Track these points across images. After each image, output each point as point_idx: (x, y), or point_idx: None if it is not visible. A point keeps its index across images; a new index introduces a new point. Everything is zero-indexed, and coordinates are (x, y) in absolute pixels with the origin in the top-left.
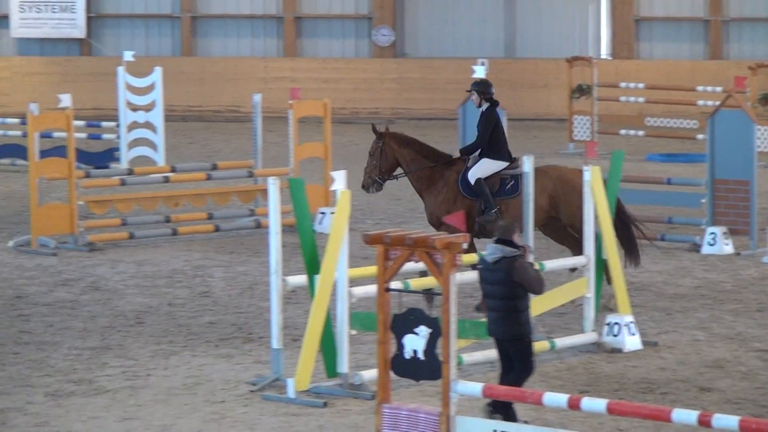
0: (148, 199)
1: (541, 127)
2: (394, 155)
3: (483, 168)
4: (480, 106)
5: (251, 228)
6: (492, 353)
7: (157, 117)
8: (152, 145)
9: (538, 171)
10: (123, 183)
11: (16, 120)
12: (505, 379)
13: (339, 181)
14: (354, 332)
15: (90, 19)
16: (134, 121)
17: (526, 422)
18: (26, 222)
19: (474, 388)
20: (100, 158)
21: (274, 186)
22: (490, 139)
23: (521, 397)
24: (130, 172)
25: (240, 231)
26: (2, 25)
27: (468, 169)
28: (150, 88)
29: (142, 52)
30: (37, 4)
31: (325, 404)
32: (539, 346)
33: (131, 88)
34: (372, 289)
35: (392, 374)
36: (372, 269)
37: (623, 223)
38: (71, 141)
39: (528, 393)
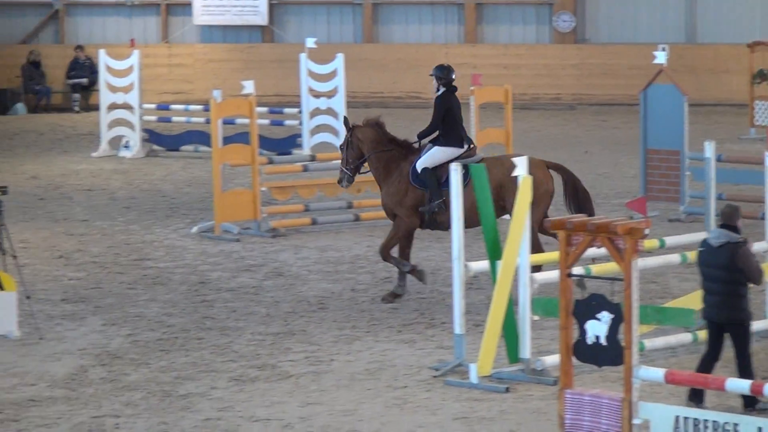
0: (330, 185)
1: (723, 112)
2: (359, 145)
3: (432, 157)
4: (438, 91)
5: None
6: (672, 339)
7: (339, 103)
8: (334, 132)
9: (492, 160)
10: (305, 169)
11: (200, 107)
12: (710, 364)
13: (520, 167)
14: (536, 318)
15: (272, 6)
16: (316, 108)
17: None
18: (210, 208)
19: (656, 373)
20: (283, 144)
21: (455, 172)
22: (443, 126)
23: (704, 383)
24: (313, 159)
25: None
26: (185, 12)
27: (419, 158)
28: (332, 75)
29: (324, 39)
30: None
31: (507, 389)
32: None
33: (313, 75)
34: (554, 274)
35: (574, 360)
36: (554, 255)
37: (578, 204)
38: (254, 127)
39: (711, 379)
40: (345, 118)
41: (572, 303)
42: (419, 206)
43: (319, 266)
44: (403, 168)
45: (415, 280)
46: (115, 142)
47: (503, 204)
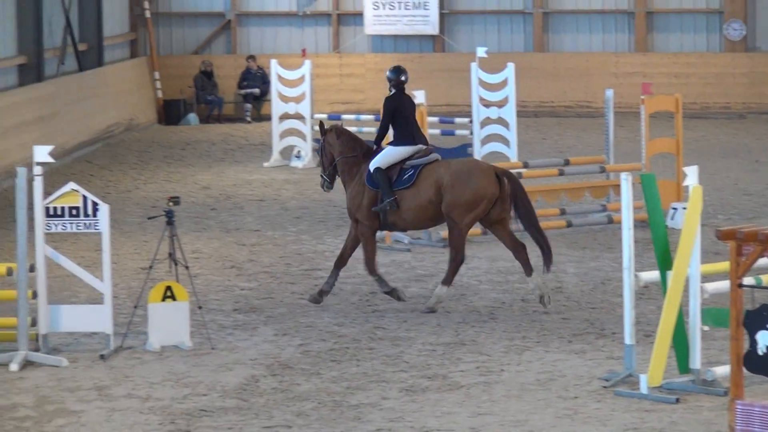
0: None
1: None
2: (330, 150)
3: (384, 157)
4: (390, 92)
5: (603, 223)
6: None
7: (509, 113)
8: (505, 141)
9: (442, 162)
10: None
11: (370, 116)
12: None
13: (691, 176)
14: (706, 328)
15: (443, 16)
16: (487, 117)
17: None
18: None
19: None
20: (454, 154)
21: (626, 181)
22: (394, 126)
23: None
24: None
25: (592, 226)
26: (357, 22)
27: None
28: (503, 84)
29: (495, 48)
30: (390, 2)
31: (677, 400)
32: None
33: (484, 84)
34: (725, 285)
35: (745, 370)
36: (724, 265)
37: (530, 220)
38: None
39: None
40: (320, 122)
41: (743, 313)
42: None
43: (490, 276)
44: (363, 171)
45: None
46: (287, 152)
47: (439, 203)
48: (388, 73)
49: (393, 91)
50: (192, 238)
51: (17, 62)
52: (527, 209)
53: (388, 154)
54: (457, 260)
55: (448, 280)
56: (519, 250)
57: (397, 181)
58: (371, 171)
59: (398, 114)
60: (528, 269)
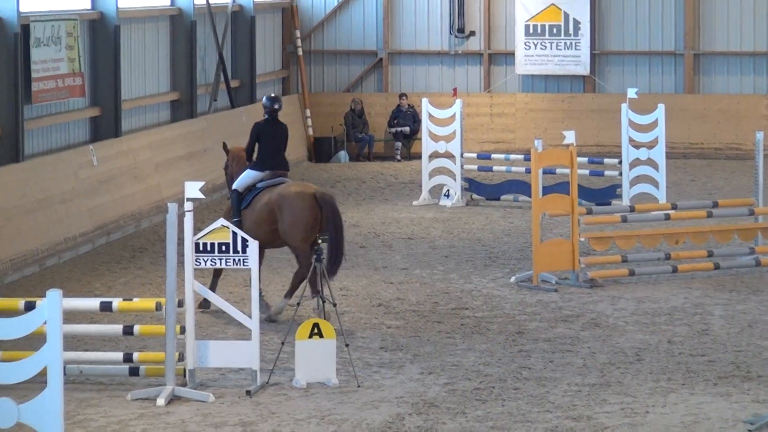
0: (649, 236)
1: None
2: (231, 172)
3: (241, 179)
4: (263, 117)
5: (751, 266)
6: None
7: (659, 154)
8: (654, 182)
9: (277, 186)
10: (624, 220)
11: (520, 156)
12: None
13: None
14: None
15: (594, 56)
16: (636, 158)
17: None
18: (528, 258)
19: None
20: (602, 195)
21: None
22: (257, 151)
23: None
24: (632, 209)
25: (740, 269)
26: (508, 62)
27: None
28: (653, 125)
29: (645, 89)
30: (542, 42)
31: None
32: None
33: (634, 125)
34: None
35: None
36: None
37: (336, 229)
38: (574, 177)
39: None
40: (224, 143)
41: None
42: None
43: (636, 317)
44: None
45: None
46: (436, 191)
47: (275, 227)
48: (264, 100)
49: (266, 117)
50: (340, 276)
51: (170, 98)
52: (337, 232)
53: (244, 177)
54: (299, 275)
55: (289, 294)
56: (301, 272)
57: (243, 201)
58: (231, 192)
59: (261, 139)
60: (313, 290)
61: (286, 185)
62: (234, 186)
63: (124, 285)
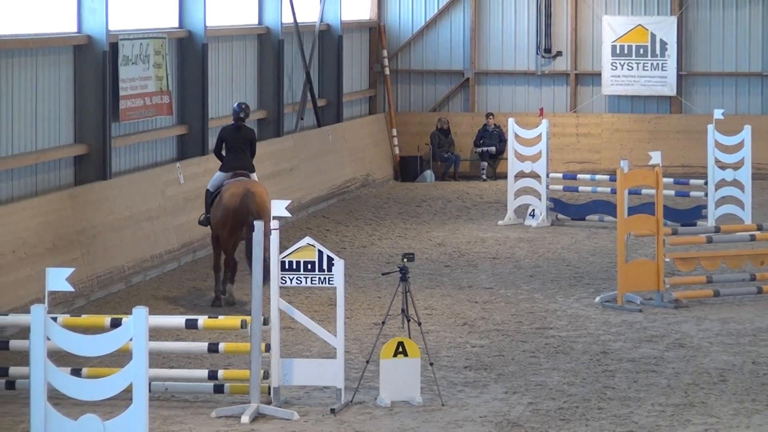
0: (734, 257)
1: None
2: None
3: (212, 180)
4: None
5: None
6: None
7: (745, 175)
8: (740, 204)
9: (237, 184)
10: (709, 240)
11: (606, 177)
12: None
13: None
14: None
15: (680, 77)
16: (722, 179)
17: None
18: (613, 278)
19: None
20: (687, 215)
21: None
22: (224, 154)
23: None
24: (717, 230)
25: None
26: (594, 82)
27: None
28: (739, 146)
29: (731, 110)
30: (628, 62)
31: None
32: None
33: (720, 146)
34: None
35: None
36: None
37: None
38: (660, 198)
39: None
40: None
41: None
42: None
43: (721, 338)
44: None
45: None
46: (521, 211)
47: (226, 219)
48: (234, 105)
49: (232, 123)
50: (425, 295)
51: (258, 116)
52: (250, 233)
53: (213, 178)
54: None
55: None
56: (230, 268)
57: (212, 201)
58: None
59: (226, 143)
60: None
61: (229, 183)
62: (208, 187)
63: (209, 302)
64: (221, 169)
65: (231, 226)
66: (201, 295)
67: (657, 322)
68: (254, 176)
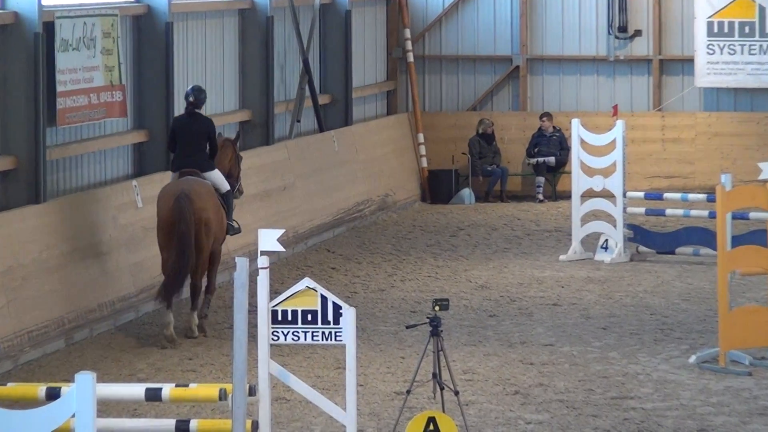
0: None
1: None
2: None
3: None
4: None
5: None
6: None
7: None
8: None
9: (181, 184)
10: None
11: (702, 196)
12: None
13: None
14: None
15: None
16: None
17: None
18: (712, 330)
19: None
20: None
21: None
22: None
23: None
24: None
25: None
26: (685, 71)
27: None
28: None
29: None
30: (730, 44)
31: None
32: None
33: None
34: None
35: None
36: None
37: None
38: None
39: None
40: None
41: None
42: None
43: None
44: None
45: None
46: (590, 242)
47: (198, 239)
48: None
49: (183, 112)
50: (464, 355)
51: (239, 118)
52: (180, 241)
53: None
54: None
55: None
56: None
57: None
58: None
59: (177, 135)
60: (193, 305)
61: (167, 184)
62: None
63: (177, 366)
64: (171, 168)
65: (166, 235)
66: (166, 356)
67: None
68: (213, 176)
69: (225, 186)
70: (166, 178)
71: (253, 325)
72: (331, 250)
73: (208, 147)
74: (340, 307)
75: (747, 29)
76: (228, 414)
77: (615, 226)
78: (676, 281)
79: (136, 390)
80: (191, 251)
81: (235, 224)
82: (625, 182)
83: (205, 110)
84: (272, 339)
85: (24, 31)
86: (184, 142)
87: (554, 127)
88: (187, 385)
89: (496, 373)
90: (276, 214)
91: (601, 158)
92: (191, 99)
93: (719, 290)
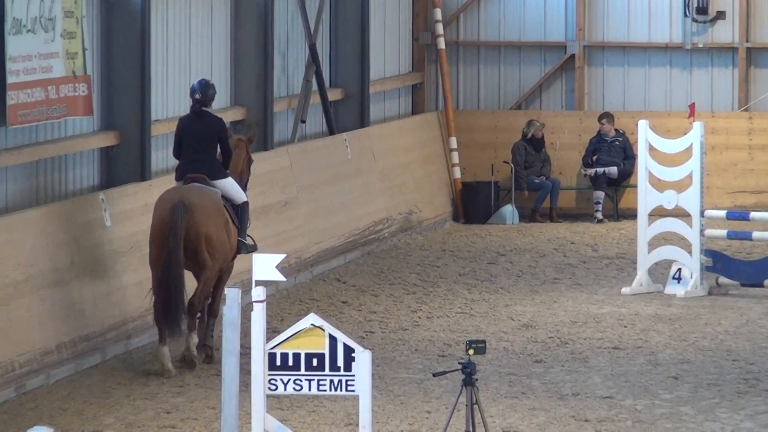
0: None
1: None
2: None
3: None
4: None
5: None
6: None
7: None
8: None
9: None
10: None
11: None
12: None
13: None
14: None
15: None
16: None
17: None
18: None
19: None
20: None
21: None
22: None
23: None
24: None
25: None
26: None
27: None
28: None
29: None
30: None
31: None
32: None
33: None
34: None
35: None
36: None
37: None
38: None
39: None
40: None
41: None
42: None
43: None
44: None
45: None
46: (660, 272)
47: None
48: (193, 83)
49: (190, 110)
50: (503, 408)
51: (232, 117)
52: (169, 256)
53: None
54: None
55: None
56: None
57: None
58: None
59: (182, 138)
60: (191, 325)
61: (168, 189)
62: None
63: (152, 420)
64: (175, 174)
65: (156, 250)
66: (139, 408)
67: None
68: (225, 184)
69: (240, 197)
70: (140, 190)
71: (246, 372)
72: (342, 280)
73: (219, 151)
74: (353, 350)
75: None
76: None
77: (690, 253)
78: (764, 320)
79: None
80: (179, 272)
81: (249, 241)
82: (703, 198)
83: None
84: (269, 388)
85: None
86: (191, 146)
87: (617, 131)
88: None
89: (543, 431)
90: (275, 235)
91: (674, 169)
92: (198, 96)
93: None
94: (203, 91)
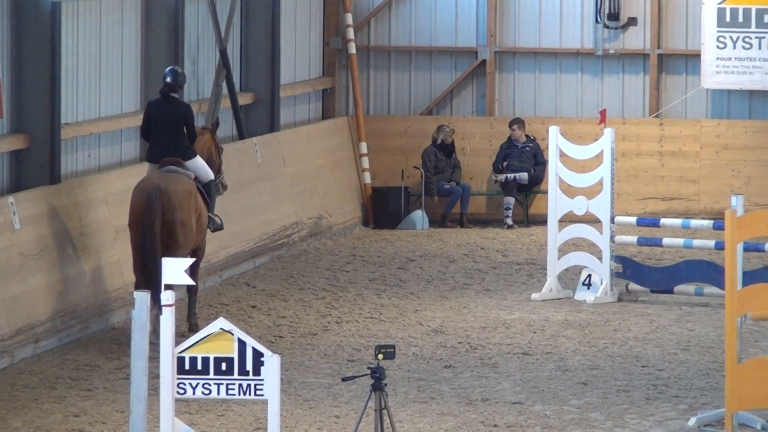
0: None
1: None
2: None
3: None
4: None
5: None
6: None
7: None
8: None
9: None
10: None
11: (707, 222)
12: None
13: None
14: None
15: None
16: None
17: None
18: (718, 387)
19: None
20: None
21: None
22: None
23: None
24: None
25: None
26: (690, 69)
27: None
28: None
29: None
30: (745, 36)
31: None
32: None
33: None
34: None
35: None
36: None
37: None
38: None
39: None
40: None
41: None
42: None
43: None
44: None
45: None
46: (570, 278)
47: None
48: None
49: (159, 95)
50: (412, 413)
51: (133, 123)
52: (147, 239)
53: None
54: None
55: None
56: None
57: None
58: None
59: (150, 122)
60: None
61: (145, 176)
62: None
63: (61, 424)
64: (147, 158)
65: (136, 233)
66: (47, 412)
67: None
68: (195, 163)
69: (208, 175)
70: (50, 193)
71: (154, 376)
72: (252, 285)
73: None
74: (262, 355)
75: (766, 18)
76: None
77: (600, 259)
78: (673, 326)
79: None
80: (156, 246)
81: (217, 219)
82: (614, 205)
83: (98, 113)
84: (178, 392)
85: None
86: (161, 129)
87: (528, 137)
88: None
89: None
90: None
91: (585, 175)
92: (168, 80)
93: (727, 338)
94: (174, 77)
